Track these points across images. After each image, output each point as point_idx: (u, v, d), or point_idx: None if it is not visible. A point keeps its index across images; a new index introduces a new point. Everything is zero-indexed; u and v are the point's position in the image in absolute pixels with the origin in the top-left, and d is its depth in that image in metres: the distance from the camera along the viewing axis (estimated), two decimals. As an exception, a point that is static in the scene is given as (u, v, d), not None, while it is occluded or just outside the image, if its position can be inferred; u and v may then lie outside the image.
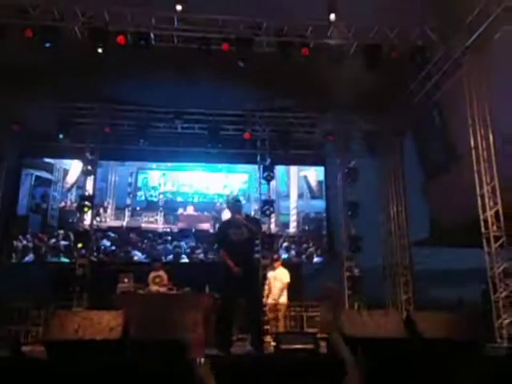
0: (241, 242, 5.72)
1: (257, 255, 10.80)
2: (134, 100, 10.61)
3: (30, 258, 10.73)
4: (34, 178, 11.27)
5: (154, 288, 8.49)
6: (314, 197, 12.12)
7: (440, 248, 10.71)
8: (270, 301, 7.97)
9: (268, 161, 10.92)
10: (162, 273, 8.80)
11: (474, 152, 7.54)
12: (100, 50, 7.47)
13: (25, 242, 10.80)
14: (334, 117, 10.84)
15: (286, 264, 11.11)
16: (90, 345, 4.70)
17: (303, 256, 11.61)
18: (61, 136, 9.98)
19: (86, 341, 4.71)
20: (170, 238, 11.43)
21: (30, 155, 11.21)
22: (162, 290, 8.48)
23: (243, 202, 11.43)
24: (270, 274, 8.23)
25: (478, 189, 7.47)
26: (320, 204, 12.08)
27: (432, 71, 8.67)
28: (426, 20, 7.90)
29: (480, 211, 7.37)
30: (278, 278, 8.01)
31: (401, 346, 4.64)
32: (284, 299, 7.90)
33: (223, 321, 5.67)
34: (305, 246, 11.72)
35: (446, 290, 11.06)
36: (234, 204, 6.10)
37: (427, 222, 10.78)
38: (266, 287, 8.14)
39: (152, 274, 8.75)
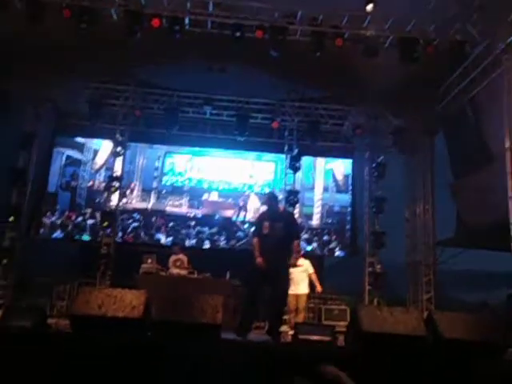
0: (274, 235, 5.75)
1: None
2: (165, 84, 10.72)
3: (57, 234, 11.03)
4: (64, 157, 11.53)
5: (174, 271, 8.63)
6: (339, 190, 12.03)
7: (466, 249, 10.48)
8: (291, 292, 7.98)
9: (295, 151, 10.88)
10: (182, 256, 8.94)
11: (508, 153, 7.33)
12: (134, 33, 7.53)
13: (53, 218, 11.09)
14: (365, 110, 10.71)
15: (307, 256, 11.17)
16: (113, 321, 4.83)
17: (325, 249, 11.57)
18: (92, 116, 10.14)
19: (109, 317, 4.83)
20: (193, 223, 11.54)
21: (63, 134, 11.45)
22: (183, 273, 8.62)
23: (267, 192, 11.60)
24: None
25: (509, 191, 7.27)
26: (345, 198, 11.98)
27: (469, 67, 8.43)
28: (467, 14, 7.66)
29: (510, 214, 7.18)
30: (303, 270, 7.99)
31: (419, 344, 4.60)
32: (307, 290, 7.86)
33: (246, 307, 5.74)
34: (326, 238, 11.68)
35: (469, 292, 10.89)
36: (275, 198, 6.22)
37: (454, 222, 10.56)
38: None
39: (173, 258, 8.89)
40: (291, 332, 6.30)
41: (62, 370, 4.13)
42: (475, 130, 9.04)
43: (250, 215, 11.52)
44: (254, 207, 11.63)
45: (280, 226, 5.80)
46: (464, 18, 7.70)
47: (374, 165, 10.71)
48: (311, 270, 7.93)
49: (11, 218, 9.68)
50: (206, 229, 11.52)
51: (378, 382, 4.14)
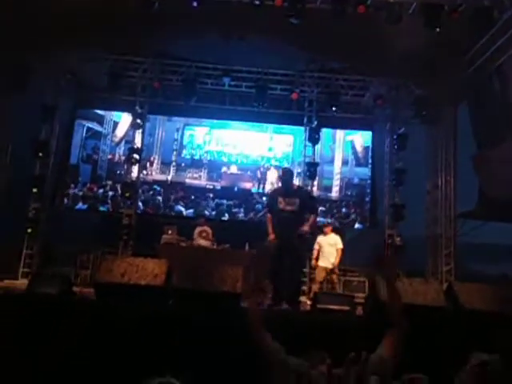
0: (288, 211, 5.82)
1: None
2: (184, 56, 10.62)
3: (79, 205, 11.24)
4: (85, 129, 11.63)
5: (200, 242, 8.73)
6: (358, 163, 11.89)
7: (487, 222, 10.34)
8: (321, 264, 8.20)
9: (315, 123, 10.75)
10: (207, 228, 9.04)
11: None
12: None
13: (75, 190, 11.29)
14: (386, 80, 10.47)
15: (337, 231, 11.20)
16: (135, 289, 4.96)
17: (344, 221, 11.55)
18: (112, 88, 10.15)
19: (131, 285, 4.97)
20: (211, 195, 11.61)
21: (83, 106, 11.50)
22: (208, 244, 8.73)
23: (286, 165, 11.56)
24: (321, 239, 8.33)
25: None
26: (364, 171, 11.84)
27: (497, 34, 8.12)
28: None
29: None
30: (332, 244, 8.18)
31: (439, 314, 4.61)
32: (336, 264, 8.20)
33: (271, 280, 5.87)
34: (345, 211, 11.64)
35: (490, 265, 10.78)
36: (290, 174, 6.24)
37: (475, 194, 10.40)
38: (315, 251, 8.30)
39: (198, 229, 9.00)
40: (309, 302, 6.39)
41: (87, 336, 4.28)
42: (501, 100, 8.78)
43: (269, 187, 11.54)
44: (273, 180, 11.64)
45: (294, 202, 5.87)
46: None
47: (394, 136, 10.54)
48: (340, 245, 8.19)
49: (34, 189, 9.88)
50: (224, 201, 11.59)
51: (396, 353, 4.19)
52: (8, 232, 9.64)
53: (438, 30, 7.53)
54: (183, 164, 11.92)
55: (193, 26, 8.91)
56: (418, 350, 4.10)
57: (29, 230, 9.81)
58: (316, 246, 8.32)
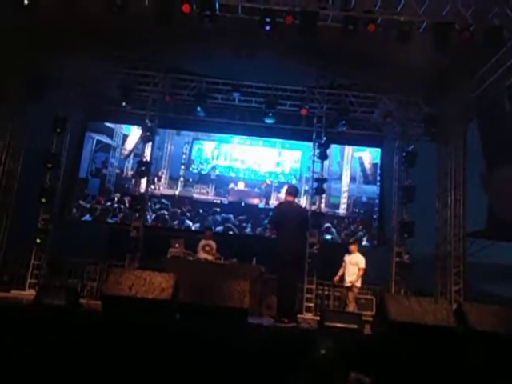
0: (294, 227, 5.94)
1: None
2: (195, 71, 10.76)
3: (86, 217, 11.29)
4: (95, 142, 11.74)
5: (202, 256, 8.72)
6: (367, 181, 11.86)
7: (497, 242, 10.23)
8: (346, 283, 8.23)
9: (324, 139, 10.78)
10: (211, 242, 9.01)
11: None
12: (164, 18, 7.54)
13: (83, 203, 11.34)
14: (396, 98, 10.50)
15: (333, 245, 11.14)
16: (142, 302, 4.93)
17: (351, 239, 11.47)
18: (124, 103, 10.28)
19: (139, 298, 4.94)
20: (218, 209, 11.61)
21: (94, 119, 11.65)
22: (210, 258, 8.70)
23: (294, 182, 11.60)
24: (346, 257, 8.37)
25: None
26: (372, 189, 11.82)
27: (507, 54, 8.13)
28: (506, -1, 7.38)
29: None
30: (354, 263, 8.19)
31: (449, 335, 4.54)
32: (358, 283, 8.19)
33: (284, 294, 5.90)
34: (353, 228, 11.57)
35: (500, 286, 10.63)
36: (296, 190, 6.34)
37: (485, 214, 10.32)
38: (341, 269, 8.33)
39: (203, 242, 8.98)
40: (317, 318, 6.34)
41: (93, 348, 4.25)
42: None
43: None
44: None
45: (297, 217, 6.11)
46: (503, 2, 7.41)
47: (403, 154, 10.52)
48: (362, 265, 8.17)
49: (43, 200, 9.94)
50: (231, 216, 11.59)
51: (404, 372, 4.12)
52: (17, 242, 9.71)
53: (446, 49, 7.56)
54: (191, 179, 11.96)
55: (204, 43, 9.02)
56: (428, 371, 4.04)
57: (38, 241, 9.85)
58: (343, 264, 8.36)
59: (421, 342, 4.30)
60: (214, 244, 8.99)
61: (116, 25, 8.08)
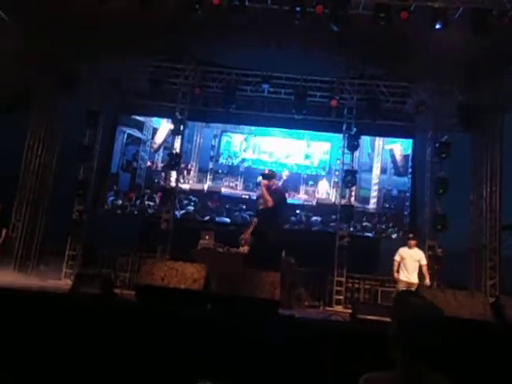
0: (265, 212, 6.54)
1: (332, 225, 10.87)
2: (224, 63, 10.76)
3: (119, 211, 11.47)
4: (125, 136, 11.90)
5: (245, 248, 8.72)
6: (398, 173, 11.60)
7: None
8: (402, 278, 7.83)
9: (354, 130, 10.62)
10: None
11: None
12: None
13: (114, 198, 11.52)
14: (429, 87, 10.23)
15: (365, 239, 11.00)
16: (175, 292, 5.00)
17: (383, 234, 11.31)
18: (153, 95, 10.36)
19: (171, 288, 5.01)
20: (244, 206, 11.51)
21: (124, 112, 11.79)
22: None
23: (323, 173, 11.51)
24: (403, 251, 7.97)
25: None
26: (404, 181, 11.53)
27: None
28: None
29: None
30: (417, 259, 7.86)
31: (486, 329, 4.43)
32: (417, 280, 7.78)
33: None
34: (384, 226, 11.34)
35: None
36: (271, 176, 6.97)
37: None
38: (395, 263, 7.93)
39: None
40: (350, 311, 6.26)
41: (128, 337, 4.34)
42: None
43: (321, 197, 11.49)
44: (325, 190, 11.54)
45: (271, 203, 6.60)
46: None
47: (436, 145, 10.26)
48: (424, 261, 7.89)
49: (79, 192, 10.20)
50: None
51: (438, 365, 4.04)
52: (53, 233, 10.00)
53: (483, 36, 7.31)
54: (220, 171, 11.95)
55: (233, 34, 9.00)
56: (462, 366, 3.94)
57: (72, 232, 10.11)
58: (397, 258, 7.93)
59: (456, 336, 4.20)
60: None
61: (146, 19, 8.16)
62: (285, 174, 11.53)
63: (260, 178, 7.36)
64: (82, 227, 10.35)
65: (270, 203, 6.84)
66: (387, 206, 11.52)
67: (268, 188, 6.96)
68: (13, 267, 9.16)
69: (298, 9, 7.65)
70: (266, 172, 7.28)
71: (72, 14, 8.06)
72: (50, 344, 4.16)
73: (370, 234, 11.24)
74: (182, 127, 10.95)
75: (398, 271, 7.87)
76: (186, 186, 11.67)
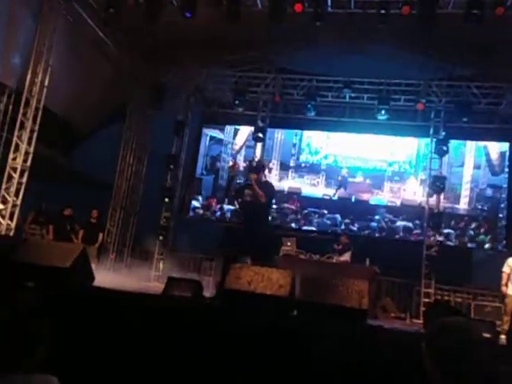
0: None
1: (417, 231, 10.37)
2: (305, 70, 10.75)
3: (201, 216, 11.85)
4: (208, 138, 12.30)
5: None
6: (493, 173, 10.77)
7: None
8: (510, 292, 6.81)
9: (442, 134, 10.11)
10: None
11: None
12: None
13: (197, 203, 11.91)
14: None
15: (454, 248, 10.34)
16: (261, 298, 5.03)
17: (474, 243, 10.58)
18: (237, 104, 10.60)
19: (258, 294, 5.05)
20: (326, 211, 11.35)
21: (209, 121, 12.20)
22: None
23: (410, 170, 11.03)
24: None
25: None
26: (500, 180, 10.68)
27: None
28: None
29: None
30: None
31: None
32: None
33: None
34: (473, 233, 10.60)
35: None
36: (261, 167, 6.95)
37: None
38: (504, 275, 6.88)
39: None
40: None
41: (216, 340, 4.44)
42: None
43: (409, 197, 11.09)
44: (414, 189, 11.14)
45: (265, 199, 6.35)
46: None
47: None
48: None
49: (166, 199, 10.70)
50: (337, 216, 11.26)
51: None
52: (142, 237, 10.56)
53: None
54: (301, 169, 11.84)
55: (314, 40, 8.98)
56: None
57: (160, 238, 10.62)
58: (506, 269, 6.88)
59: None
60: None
61: (229, 30, 8.39)
62: (344, 171, 11.39)
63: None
64: (168, 233, 10.83)
65: (264, 199, 6.43)
66: (479, 207, 10.75)
67: (258, 181, 6.54)
68: (108, 269, 9.77)
69: (382, 11, 7.48)
70: (254, 165, 7.03)
71: (162, 28, 8.48)
72: (144, 344, 4.37)
73: (457, 242, 10.58)
74: (263, 135, 11.07)
75: (506, 284, 6.80)
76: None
